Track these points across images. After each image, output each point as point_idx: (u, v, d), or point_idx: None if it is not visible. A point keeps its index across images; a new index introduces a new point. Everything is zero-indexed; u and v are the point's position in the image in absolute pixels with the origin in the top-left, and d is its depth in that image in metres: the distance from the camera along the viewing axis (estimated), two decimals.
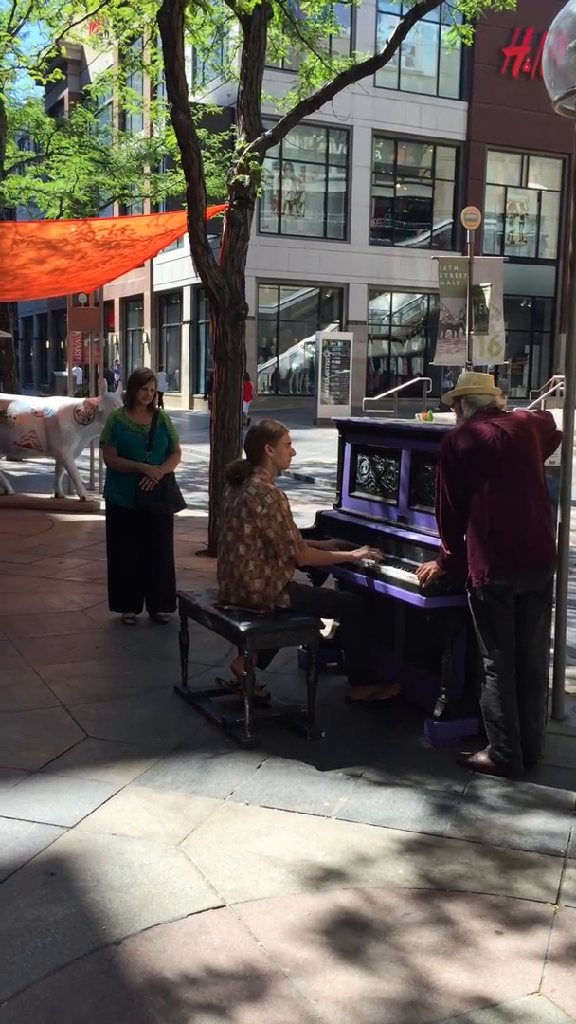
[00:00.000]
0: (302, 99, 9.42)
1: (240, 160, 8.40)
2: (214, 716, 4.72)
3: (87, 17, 10.07)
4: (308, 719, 4.60)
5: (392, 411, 24.06)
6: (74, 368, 38.18)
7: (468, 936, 3.02)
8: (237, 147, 8.61)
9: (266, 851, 3.48)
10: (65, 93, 36.63)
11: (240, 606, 4.70)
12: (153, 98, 19.52)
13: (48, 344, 45.14)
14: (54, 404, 11.23)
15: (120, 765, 4.19)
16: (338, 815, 3.79)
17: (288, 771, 4.18)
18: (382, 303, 31.67)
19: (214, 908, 3.10)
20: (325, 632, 5.47)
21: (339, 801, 3.91)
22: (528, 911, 3.17)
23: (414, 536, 4.80)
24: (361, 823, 3.74)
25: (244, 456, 4.89)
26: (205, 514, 9.19)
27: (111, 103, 28.29)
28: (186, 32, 10.99)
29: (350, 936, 3.00)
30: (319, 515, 5.74)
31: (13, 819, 3.67)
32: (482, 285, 12.61)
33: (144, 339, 35.25)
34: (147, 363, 34.00)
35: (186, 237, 8.39)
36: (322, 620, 4.87)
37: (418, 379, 28.08)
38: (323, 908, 3.15)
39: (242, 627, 4.45)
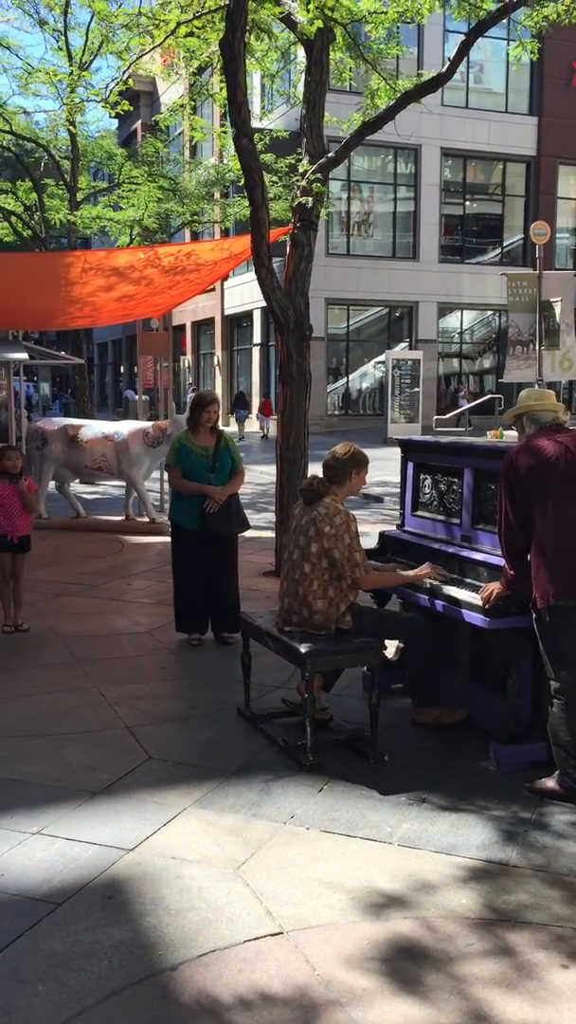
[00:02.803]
0: (366, 120, 9.43)
1: (303, 182, 8.45)
2: (276, 738, 4.70)
3: (153, 48, 10.26)
4: (371, 742, 4.54)
5: (463, 429, 23.83)
6: (127, 391, 38.91)
7: (532, 968, 2.92)
8: (300, 169, 8.66)
9: (326, 877, 3.43)
10: (138, 124, 37.41)
11: (301, 627, 4.67)
12: (222, 125, 19.79)
13: (122, 369, 45.92)
14: (124, 428, 11.40)
15: (181, 787, 4.19)
16: (400, 841, 3.72)
17: (350, 795, 4.13)
18: (452, 321, 31.48)
19: (271, 935, 3.06)
20: (389, 653, 5.41)
21: (401, 827, 3.84)
22: None
23: (477, 556, 4.71)
24: (424, 850, 3.66)
25: (322, 474, 4.87)
26: (272, 535, 9.19)
27: (182, 132, 28.80)
28: (252, 59, 11.15)
29: (409, 966, 2.93)
30: (382, 535, 5.70)
31: (74, 841, 3.69)
32: (552, 300, 12.43)
33: (215, 362, 35.63)
34: (218, 386, 34.35)
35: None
36: (386, 641, 4.82)
37: (489, 396, 27.78)
38: (382, 936, 3.08)
39: (302, 648, 4.42)
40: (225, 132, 14.43)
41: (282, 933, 3.08)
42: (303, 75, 9.61)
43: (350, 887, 3.37)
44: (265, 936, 3.06)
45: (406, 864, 3.55)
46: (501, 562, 4.35)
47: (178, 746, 4.69)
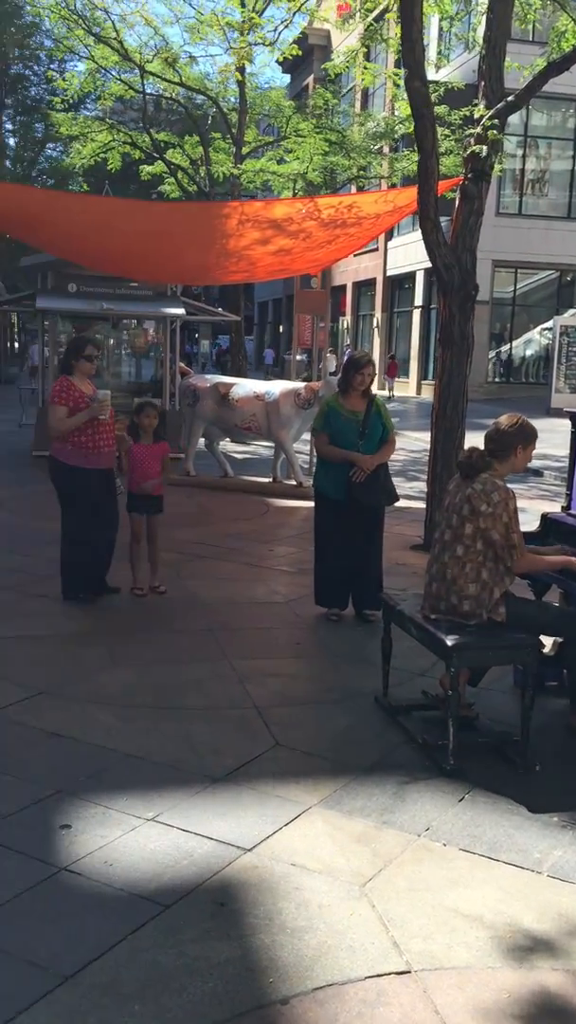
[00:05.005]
0: (551, 61, 8.66)
1: (478, 129, 7.82)
2: (415, 734, 4.29)
3: None
4: (521, 749, 4.08)
5: None
6: (267, 350, 39.03)
7: None
8: (476, 115, 8.02)
9: (463, 907, 3.03)
10: (309, 80, 36.76)
11: (449, 615, 4.23)
12: (396, 73, 19.06)
13: (281, 328, 45.82)
14: (275, 388, 11.11)
15: (308, 781, 3.86)
16: (550, 871, 3.27)
17: (494, 809, 3.69)
18: None
19: (397, 973, 2.69)
20: (546, 648, 4.90)
21: (552, 854, 3.38)
22: None
23: None
24: None
25: (484, 447, 4.38)
26: (423, 505, 8.71)
27: (353, 87, 28.07)
28: (429, 1, 10.49)
29: None
30: (544, 517, 5.16)
31: (189, 832, 3.42)
32: None
33: (375, 324, 34.96)
34: (376, 348, 33.71)
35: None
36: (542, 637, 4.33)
37: None
38: (526, 989, 2.66)
39: (449, 641, 3.99)
40: (398, 78, 13.78)
41: (409, 972, 2.70)
42: (484, 16, 8.91)
43: (490, 922, 2.96)
44: (390, 974, 2.69)
45: (557, 900, 3.10)
46: None
47: (308, 733, 4.36)
